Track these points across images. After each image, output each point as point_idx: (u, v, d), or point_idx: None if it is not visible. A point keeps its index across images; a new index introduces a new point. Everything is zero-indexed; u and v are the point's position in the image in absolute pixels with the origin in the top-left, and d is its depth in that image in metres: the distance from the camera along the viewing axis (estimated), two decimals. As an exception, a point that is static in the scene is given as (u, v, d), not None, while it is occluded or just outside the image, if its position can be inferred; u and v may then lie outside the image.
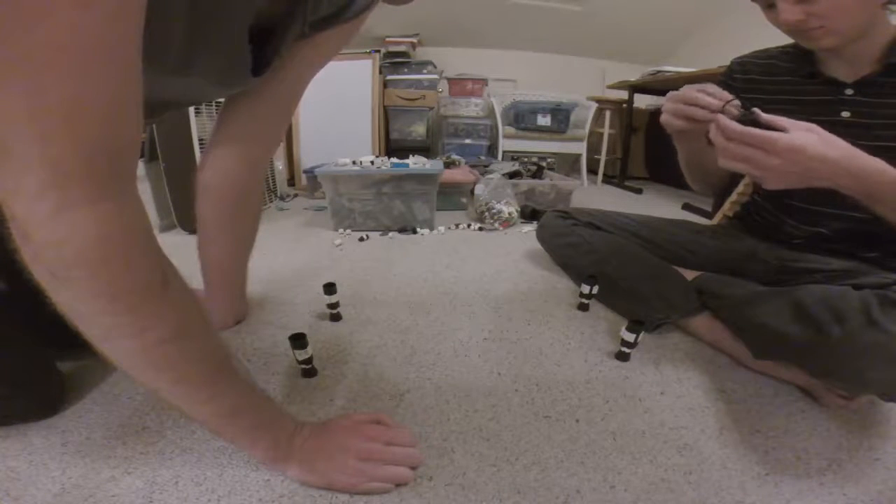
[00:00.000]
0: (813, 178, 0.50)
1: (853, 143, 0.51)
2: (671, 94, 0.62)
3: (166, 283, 0.34)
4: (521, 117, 2.53)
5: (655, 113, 2.77)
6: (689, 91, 0.60)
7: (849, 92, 0.64)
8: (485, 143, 2.67)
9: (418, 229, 1.47)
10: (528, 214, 1.62)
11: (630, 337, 0.68)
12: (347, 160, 1.49)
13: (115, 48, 0.27)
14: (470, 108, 2.63)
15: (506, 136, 2.53)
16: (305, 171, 2.06)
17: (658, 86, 2.34)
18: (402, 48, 2.53)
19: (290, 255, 1.20)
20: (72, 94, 0.26)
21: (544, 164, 2.04)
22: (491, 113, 2.62)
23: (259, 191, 0.71)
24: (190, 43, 0.40)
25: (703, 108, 0.58)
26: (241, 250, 0.73)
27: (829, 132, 0.50)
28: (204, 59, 0.43)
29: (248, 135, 0.62)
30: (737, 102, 0.57)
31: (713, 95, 0.59)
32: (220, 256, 0.71)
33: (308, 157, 2.17)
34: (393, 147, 2.40)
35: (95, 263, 0.30)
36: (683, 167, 0.80)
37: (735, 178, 0.72)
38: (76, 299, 0.31)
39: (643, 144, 2.91)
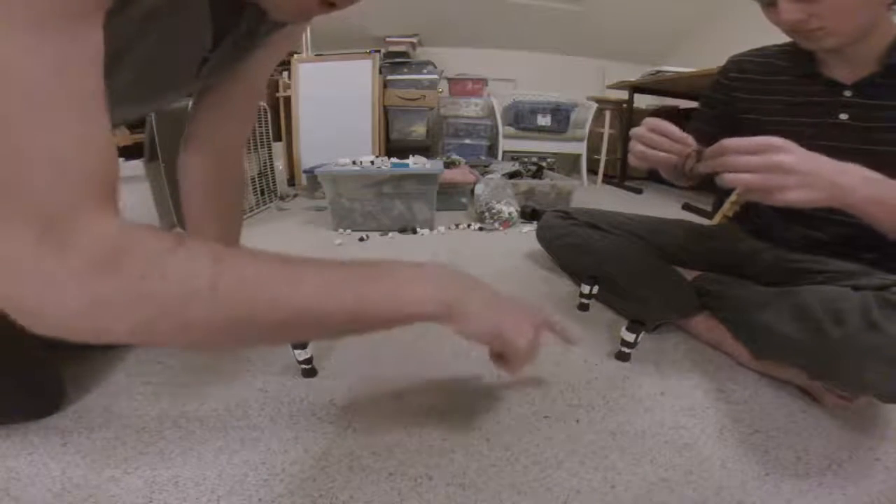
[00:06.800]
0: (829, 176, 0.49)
1: (851, 147, 0.50)
2: (634, 132, 0.63)
3: (179, 242, 0.31)
4: (521, 117, 2.53)
5: (655, 113, 2.78)
6: (644, 134, 0.62)
7: (847, 94, 0.63)
8: (485, 143, 2.67)
9: (418, 229, 1.47)
10: (528, 214, 1.62)
11: (630, 337, 0.68)
12: (347, 160, 1.49)
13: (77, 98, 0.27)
14: (470, 108, 2.63)
15: (506, 136, 2.53)
16: (305, 171, 2.06)
17: (658, 86, 2.34)
18: (402, 48, 2.53)
19: (290, 255, 1.20)
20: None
21: (544, 164, 2.04)
22: (491, 113, 2.62)
23: (236, 175, 0.73)
24: (138, 83, 0.42)
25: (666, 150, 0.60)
26: (228, 235, 0.74)
27: (827, 134, 0.50)
28: (153, 95, 0.47)
29: (213, 123, 0.65)
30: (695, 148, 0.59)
31: (672, 137, 0.60)
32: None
33: (308, 157, 2.17)
34: (393, 147, 2.39)
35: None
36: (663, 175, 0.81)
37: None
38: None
39: (643, 144, 2.91)
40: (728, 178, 0.50)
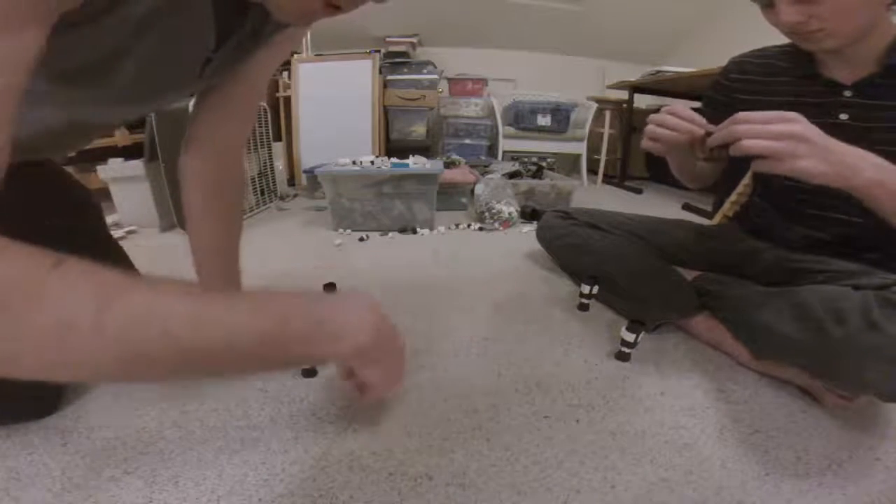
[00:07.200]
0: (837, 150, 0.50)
1: None
2: (651, 117, 0.64)
3: (57, 263, 0.28)
4: (521, 117, 2.53)
5: (655, 112, 2.78)
6: (659, 116, 0.63)
7: (847, 94, 0.63)
8: (485, 143, 2.66)
9: (418, 229, 1.47)
10: (528, 214, 1.62)
11: (630, 337, 0.68)
12: (347, 160, 1.49)
13: None
14: (470, 108, 2.63)
15: (506, 136, 2.53)
16: (305, 171, 2.07)
17: (658, 86, 2.34)
18: (402, 48, 2.53)
19: (290, 256, 1.20)
20: None
21: (544, 164, 2.04)
22: (491, 113, 2.62)
23: (237, 176, 0.74)
24: (139, 83, 0.43)
25: (673, 129, 0.61)
26: (228, 235, 0.73)
27: (827, 134, 0.50)
28: (153, 95, 0.48)
29: (214, 123, 0.65)
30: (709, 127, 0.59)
31: (684, 118, 0.60)
32: (209, 244, 0.71)
33: (308, 157, 2.17)
34: (393, 147, 2.39)
35: None
36: (675, 173, 0.81)
37: (733, 177, 0.73)
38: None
39: (643, 144, 2.91)
40: (744, 144, 0.51)
